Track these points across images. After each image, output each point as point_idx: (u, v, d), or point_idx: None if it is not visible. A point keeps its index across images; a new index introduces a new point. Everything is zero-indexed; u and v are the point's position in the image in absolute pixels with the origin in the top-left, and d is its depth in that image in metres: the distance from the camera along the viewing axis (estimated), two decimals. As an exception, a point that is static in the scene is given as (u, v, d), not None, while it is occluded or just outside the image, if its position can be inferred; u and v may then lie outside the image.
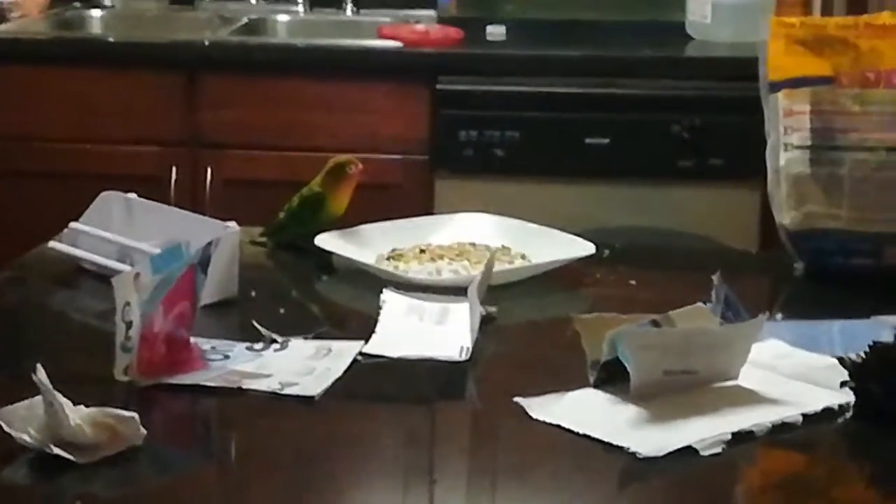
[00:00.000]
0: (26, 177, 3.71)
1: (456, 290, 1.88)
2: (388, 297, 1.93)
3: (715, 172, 3.56)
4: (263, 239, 2.21)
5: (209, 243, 1.73)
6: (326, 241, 2.10)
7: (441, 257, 2.07)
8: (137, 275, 1.64)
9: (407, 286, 1.96)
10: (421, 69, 3.62)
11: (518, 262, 2.06)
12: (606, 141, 3.57)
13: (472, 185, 3.58)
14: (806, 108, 2.06)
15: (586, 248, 2.07)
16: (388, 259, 2.08)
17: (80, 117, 3.70)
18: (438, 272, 2.03)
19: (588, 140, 3.57)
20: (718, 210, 3.56)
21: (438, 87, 3.60)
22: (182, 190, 3.65)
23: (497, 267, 1.93)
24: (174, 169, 3.67)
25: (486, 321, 1.80)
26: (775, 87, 2.09)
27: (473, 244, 2.13)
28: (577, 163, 3.58)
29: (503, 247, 2.11)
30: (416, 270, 2.03)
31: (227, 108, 3.68)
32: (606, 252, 2.12)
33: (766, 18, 3.56)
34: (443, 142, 3.61)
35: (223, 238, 1.85)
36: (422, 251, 2.10)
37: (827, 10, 3.85)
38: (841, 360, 1.61)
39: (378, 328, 1.82)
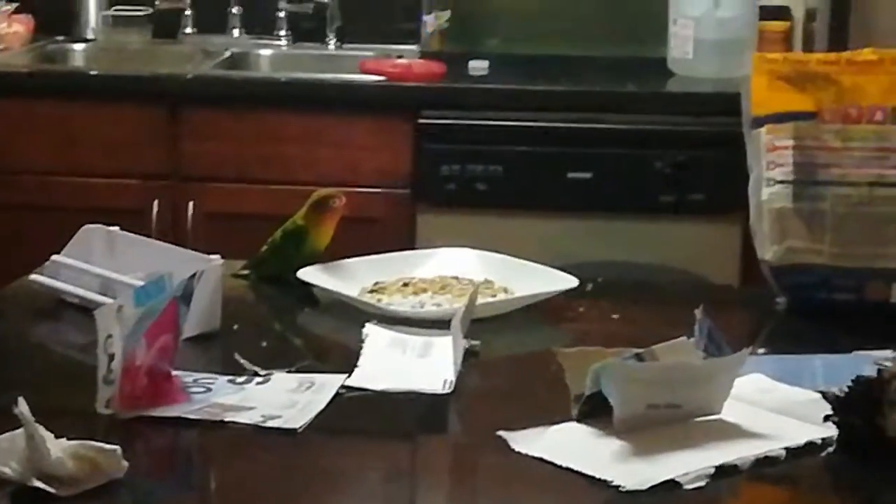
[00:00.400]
0: (8, 209, 3.70)
1: (439, 324, 1.88)
2: (371, 330, 1.93)
3: (696, 207, 3.56)
4: (246, 272, 2.20)
5: (192, 276, 1.73)
6: (309, 274, 2.10)
7: (424, 290, 2.07)
8: (120, 307, 1.63)
9: (390, 319, 1.96)
10: (403, 103, 3.63)
11: (501, 296, 2.06)
12: (589, 175, 3.57)
13: (454, 218, 3.58)
14: (788, 143, 2.07)
15: (569, 281, 2.08)
16: (370, 292, 2.08)
17: (63, 150, 3.69)
18: (421, 305, 2.03)
19: (570, 174, 3.57)
20: (700, 244, 3.56)
21: (421, 121, 3.60)
22: (164, 223, 3.64)
23: (480, 300, 1.93)
24: (156, 202, 3.66)
25: (469, 355, 1.80)
26: (758, 122, 2.09)
27: (456, 278, 2.13)
28: (560, 197, 3.58)
29: (486, 280, 2.11)
30: (398, 303, 2.03)
31: (209, 142, 3.68)
32: (589, 286, 2.12)
33: (748, 54, 3.61)
34: (425, 175, 3.61)
35: (206, 271, 1.85)
36: (405, 285, 2.10)
37: (808, 46, 3.87)
38: (824, 395, 1.61)
39: (361, 361, 1.82)
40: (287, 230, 2.18)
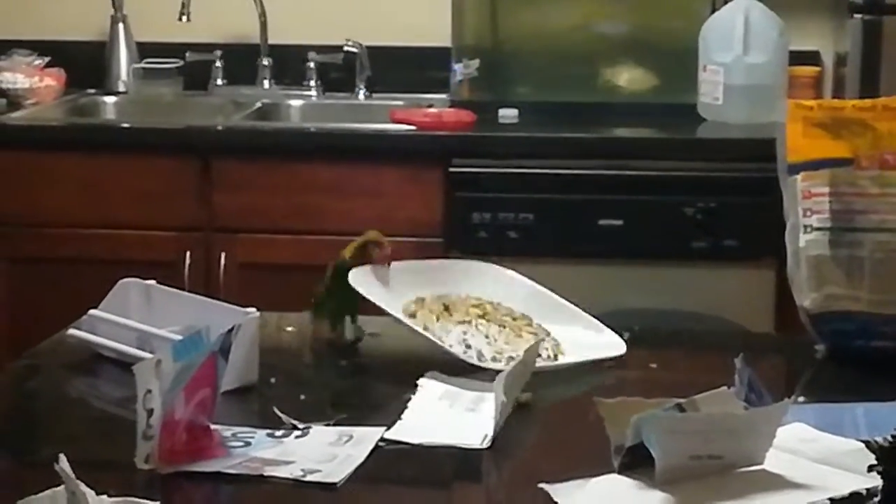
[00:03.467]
0: (40, 262, 3.72)
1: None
2: (425, 382, 1.93)
3: (729, 253, 3.55)
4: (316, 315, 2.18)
5: (230, 330, 1.73)
6: (359, 279, 2.07)
7: (468, 321, 2.05)
8: (159, 362, 1.63)
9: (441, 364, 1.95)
10: (434, 152, 3.63)
11: (548, 353, 2.04)
12: (620, 222, 3.57)
13: (486, 267, 3.57)
14: (825, 190, 2.06)
15: (617, 347, 2.06)
16: (411, 315, 2.05)
17: (95, 203, 3.71)
18: (467, 345, 2.01)
19: (601, 222, 3.57)
20: (733, 291, 3.55)
21: (452, 169, 3.61)
22: (196, 274, 3.65)
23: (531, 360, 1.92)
24: (188, 253, 3.67)
25: (521, 407, 1.80)
26: (794, 169, 2.08)
27: (493, 304, 2.12)
28: (591, 244, 3.58)
29: (523, 316, 2.10)
30: (450, 337, 2.01)
31: (240, 193, 3.69)
32: (626, 335, 2.11)
33: (779, 99, 3.61)
34: (457, 224, 3.61)
35: (243, 324, 1.85)
36: (445, 307, 2.08)
37: (839, 91, 3.87)
38: (868, 444, 1.59)
39: (405, 414, 1.82)
40: (337, 266, 2.13)
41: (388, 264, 2.11)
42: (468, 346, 2.01)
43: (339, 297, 2.13)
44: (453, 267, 2.23)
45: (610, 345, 2.07)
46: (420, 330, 2.02)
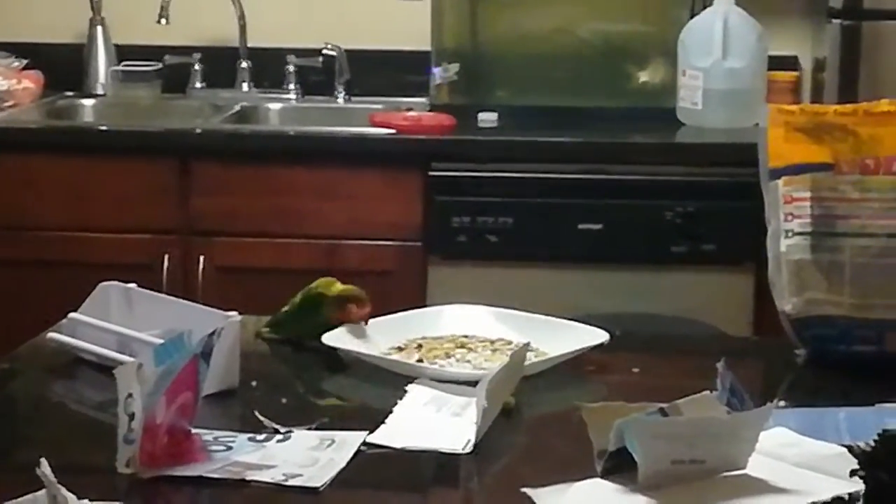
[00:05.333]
0: (17, 265, 3.70)
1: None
2: (414, 388, 1.92)
3: (708, 257, 3.56)
4: (266, 330, 2.18)
5: (212, 333, 1.72)
6: (334, 338, 2.08)
7: (450, 354, 2.05)
8: (140, 366, 1.63)
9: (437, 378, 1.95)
10: (414, 156, 3.63)
11: (532, 355, 2.04)
12: (600, 226, 3.57)
13: (465, 270, 3.58)
14: (806, 195, 2.06)
15: (598, 335, 2.06)
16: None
17: (73, 205, 3.69)
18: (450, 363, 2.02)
19: (581, 226, 3.57)
20: (712, 295, 3.56)
21: (431, 173, 3.60)
22: (174, 277, 3.64)
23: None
24: (166, 256, 3.66)
25: (505, 412, 1.80)
26: (775, 173, 2.09)
27: (466, 336, 2.12)
28: (571, 248, 3.58)
29: (500, 339, 2.10)
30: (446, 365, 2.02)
31: (219, 196, 3.68)
32: (607, 339, 2.11)
33: (758, 104, 3.62)
34: (436, 228, 3.61)
35: (225, 327, 1.84)
36: (418, 346, 2.08)
37: (817, 96, 3.88)
38: (850, 449, 1.60)
39: (389, 419, 1.81)
40: (308, 296, 2.16)
41: (366, 322, 2.11)
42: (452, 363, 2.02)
43: (298, 325, 2.14)
44: (423, 314, 2.22)
45: (592, 335, 2.07)
46: (402, 361, 2.02)
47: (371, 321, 2.12)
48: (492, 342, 2.10)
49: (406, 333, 2.13)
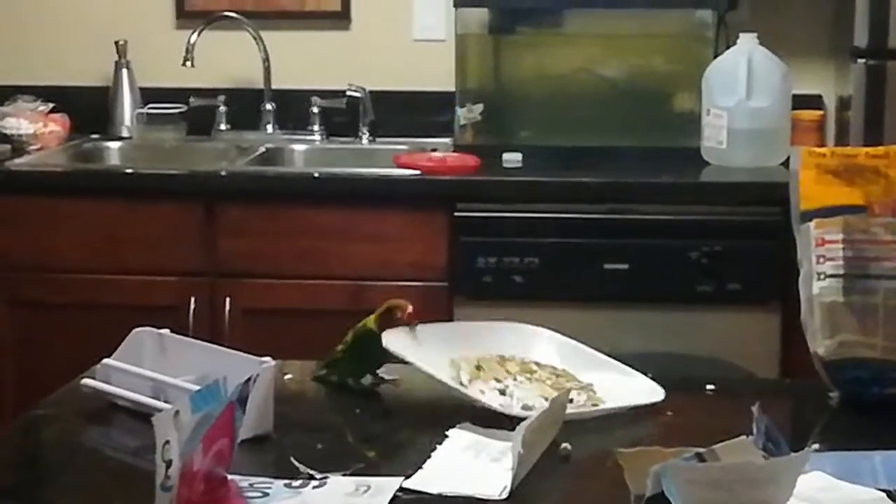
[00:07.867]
0: (45, 307, 3.71)
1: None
2: (454, 432, 1.92)
3: (734, 297, 3.56)
4: (323, 372, 2.19)
5: (248, 380, 1.72)
6: (392, 341, 2.08)
7: (509, 376, 2.05)
8: (177, 413, 1.62)
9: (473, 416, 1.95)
10: (439, 196, 3.64)
11: (586, 397, 2.04)
12: (625, 266, 3.57)
13: (491, 311, 3.56)
14: (838, 237, 2.06)
15: (657, 393, 2.06)
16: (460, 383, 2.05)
17: (99, 248, 3.71)
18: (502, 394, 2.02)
19: (607, 265, 3.58)
20: (738, 334, 3.55)
21: (456, 213, 3.61)
22: (201, 319, 3.65)
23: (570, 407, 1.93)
24: (193, 299, 3.67)
25: (562, 459, 1.81)
26: (807, 216, 2.09)
27: (536, 363, 2.12)
28: (597, 288, 3.58)
29: (566, 371, 2.12)
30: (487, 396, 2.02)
31: (244, 238, 3.69)
32: (662, 398, 2.09)
33: (783, 143, 3.62)
34: (462, 269, 3.61)
35: (260, 373, 1.84)
36: (477, 367, 2.08)
37: (842, 135, 3.88)
38: (889, 494, 1.60)
39: (427, 463, 1.81)
40: (358, 333, 2.16)
41: (416, 323, 2.11)
42: (502, 395, 2.02)
43: (354, 364, 2.15)
44: (483, 328, 2.23)
45: (649, 391, 2.07)
46: (457, 387, 2.02)
47: (428, 327, 2.13)
48: (556, 375, 2.11)
49: (463, 346, 2.13)
